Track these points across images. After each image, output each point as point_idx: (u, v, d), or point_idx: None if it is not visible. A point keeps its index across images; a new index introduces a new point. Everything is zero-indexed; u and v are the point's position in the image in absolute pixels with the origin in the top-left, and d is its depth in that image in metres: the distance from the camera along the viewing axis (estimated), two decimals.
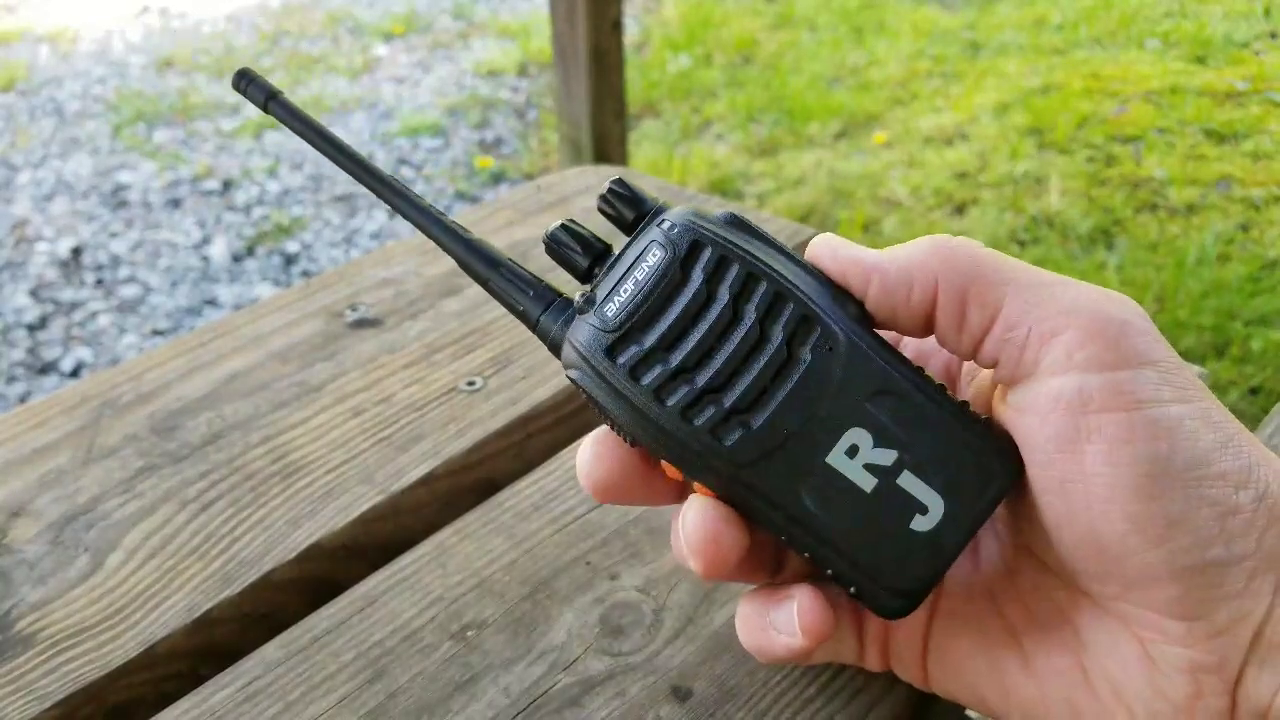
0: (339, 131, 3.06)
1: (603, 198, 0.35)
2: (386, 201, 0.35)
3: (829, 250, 0.35)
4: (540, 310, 0.35)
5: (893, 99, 3.05)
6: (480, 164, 2.93)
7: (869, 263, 0.34)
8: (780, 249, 0.34)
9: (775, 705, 0.39)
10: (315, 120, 0.36)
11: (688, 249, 0.33)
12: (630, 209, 0.35)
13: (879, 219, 2.45)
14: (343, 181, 2.84)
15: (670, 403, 0.32)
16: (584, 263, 0.35)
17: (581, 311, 0.34)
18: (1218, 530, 0.29)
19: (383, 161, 2.93)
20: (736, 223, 0.34)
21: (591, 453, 0.35)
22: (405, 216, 0.35)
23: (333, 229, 2.63)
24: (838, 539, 0.33)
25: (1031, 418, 0.32)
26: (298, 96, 3.30)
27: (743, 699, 0.39)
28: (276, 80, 3.42)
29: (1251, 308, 2.04)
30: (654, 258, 0.33)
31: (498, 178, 2.87)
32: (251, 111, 3.21)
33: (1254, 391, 1.86)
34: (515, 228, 0.71)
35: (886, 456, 0.33)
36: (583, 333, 0.33)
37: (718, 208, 0.38)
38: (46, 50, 3.71)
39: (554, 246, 0.35)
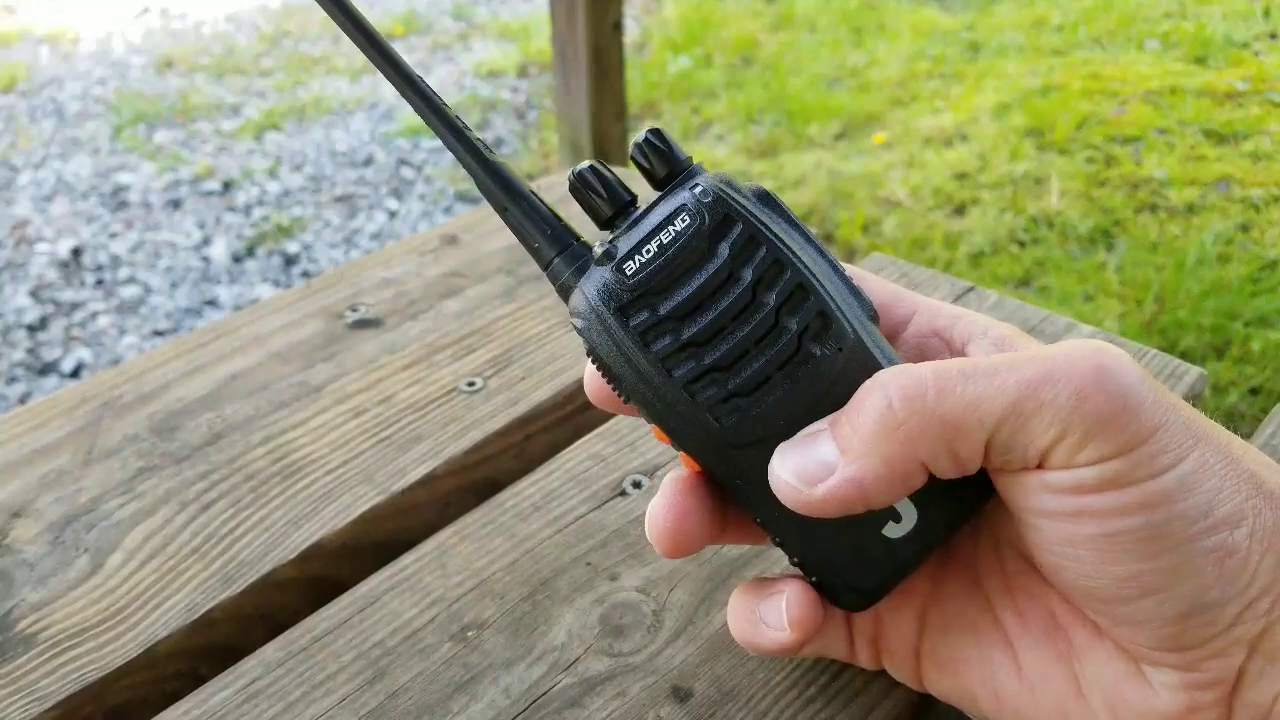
0: (339, 134, 3.06)
1: (637, 146, 0.33)
2: (413, 105, 0.33)
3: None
4: (555, 252, 0.33)
5: (892, 100, 3.05)
6: None
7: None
8: (805, 233, 0.33)
9: (775, 706, 0.39)
10: (353, 6, 0.33)
11: (718, 221, 0.32)
12: (664, 164, 0.33)
13: (879, 219, 2.45)
14: (342, 182, 2.84)
15: (676, 374, 0.32)
16: (608, 210, 0.33)
17: (600, 263, 0.32)
18: (1216, 575, 0.29)
19: (383, 162, 2.93)
20: (767, 200, 0.33)
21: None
22: (428, 122, 0.33)
23: (333, 230, 2.63)
24: (811, 532, 0.33)
25: (1022, 491, 0.31)
26: (298, 98, 3.30)
27: (743, 699, 0.39)
28: (276, 81, 3.43)
29: (1251, 308, 2.03)
30: (682, 223, 0.32)
31: None
32: (251, 112, 3.22)
33: (1254, 392, 1.86)
34: None
35: None
36: (597, 286, 0.32)
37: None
38: (47, 51, 3.71)
39: (579, 187, 0.33)
